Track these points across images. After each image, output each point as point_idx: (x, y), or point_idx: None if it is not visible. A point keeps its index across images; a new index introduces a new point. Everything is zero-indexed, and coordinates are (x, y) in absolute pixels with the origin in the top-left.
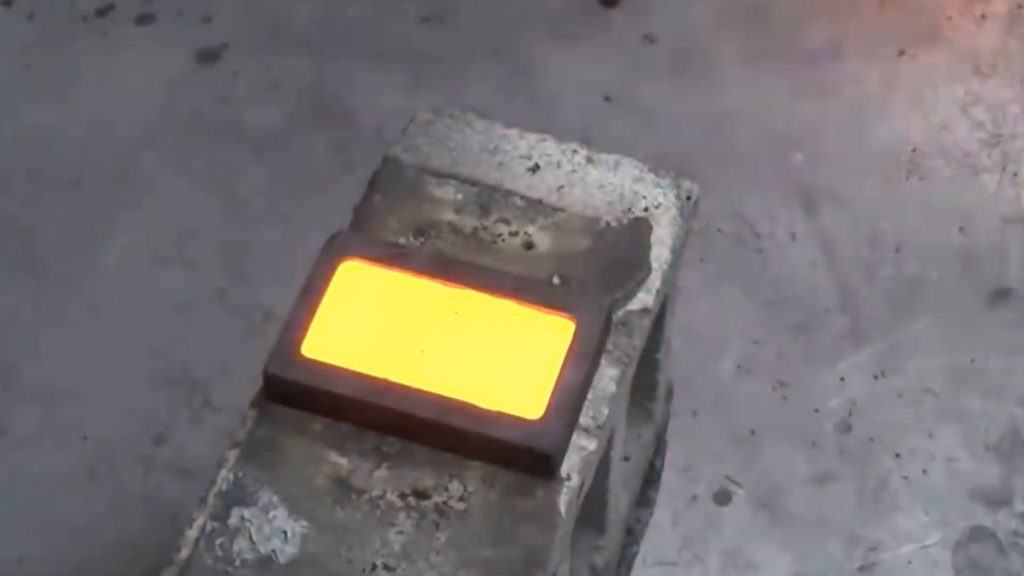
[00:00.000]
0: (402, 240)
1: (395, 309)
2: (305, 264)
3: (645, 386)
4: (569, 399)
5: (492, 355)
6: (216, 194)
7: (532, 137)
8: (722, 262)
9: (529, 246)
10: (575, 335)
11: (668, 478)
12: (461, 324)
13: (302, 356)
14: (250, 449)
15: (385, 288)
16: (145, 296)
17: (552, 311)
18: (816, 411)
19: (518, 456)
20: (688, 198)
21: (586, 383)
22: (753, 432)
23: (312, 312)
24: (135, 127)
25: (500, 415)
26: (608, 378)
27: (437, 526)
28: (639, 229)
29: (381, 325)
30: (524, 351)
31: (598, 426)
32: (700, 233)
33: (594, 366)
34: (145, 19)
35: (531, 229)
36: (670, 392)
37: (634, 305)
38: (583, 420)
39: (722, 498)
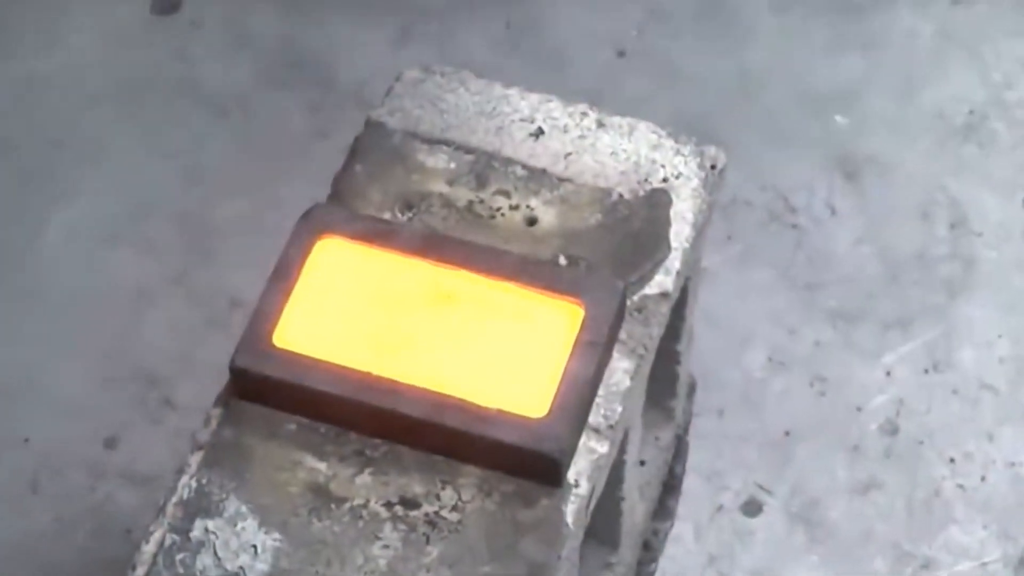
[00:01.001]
0: (387, 215)
1: (380, 293)
2: (276, 242)
3: (664, 381)
4: (577, 395)
5: (490, 345)
6: (173, 163)
7: (535, 98)
8: (751, 240)
9: (532, 222)
10: (584, 322)
11: (690, 485)
12: (455, 310)
13: (273, 347)
14: (215, 453)
15: (368, 269)
16: (92, 280)
17: (558, 295)
18: (858, 410)
19: (519, 460)
20: (712, 167)
21: (596, 377)
22: (787, 434)
23: (285, 297)
24: (80, 87)
25: (499, 414)
26: (621, 371)
27: (428, 539)
28: (657, 202)
29: (364, 311)
30: (526, 341)
31: (610, 426)
32: (726, 207)
33: (605, 358)
34: None
35: (534, 203)
36: (692, 388)
37: (651, 289)
38: (593, 419)
39: (752, 509)
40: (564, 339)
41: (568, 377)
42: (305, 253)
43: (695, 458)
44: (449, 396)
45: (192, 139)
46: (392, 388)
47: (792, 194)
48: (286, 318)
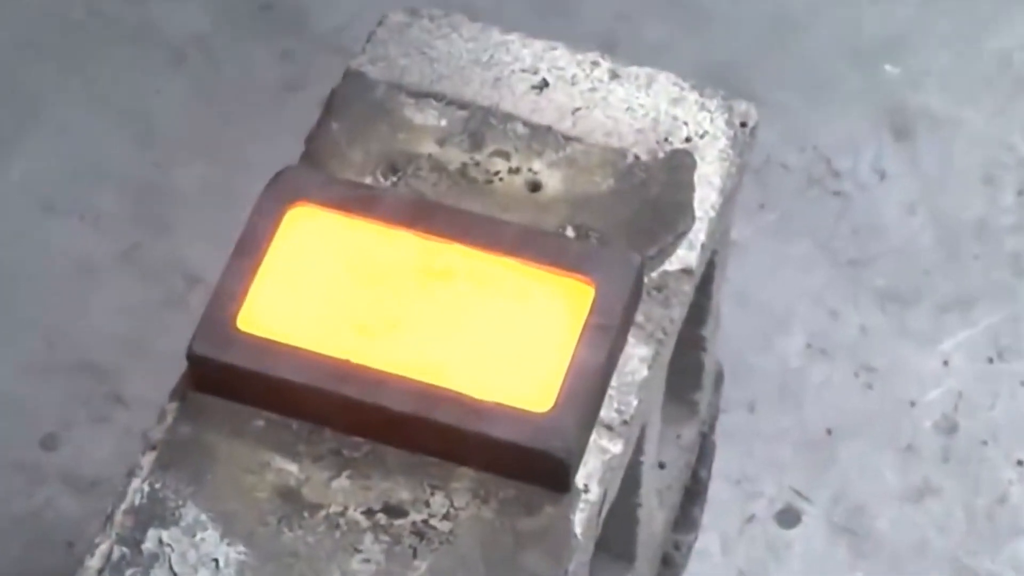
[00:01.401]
0: (369, 179)
1: (360, 269)
2: (241, 211)
3: (686, 371)
4: (586, 387)
5: (486, 330)
6: (123, 120)
7: (538, 45)
8: (788, 208)
9: (535, 187)
10: (594, 303)
11: (717, 491)
12: (446, 289)
13: (238, 331)
14: (170, 453)
15: (347, 242)
16: (28, 255)
17: (564, 272)
18: (911, 404)
19: (520, 461)
20: (743, 124)
21: (609, 366)
22: (829, 432)
23: (251, 274)
24: (10, 31)
25: (497, 408)
26: (638, 360)
27: (415, 553)
28: (678, 165)
29: (342, 290)
30: (528, 324)
31: (624, 422)
32: (759, 170)
33: (619, 344)
34: None
35: (537, 165)
36: (719, 379)
37: (672, 264)
38: (605, 415)
39: (788, 518)
40: (571, 322)
41: (576, 366)
42: (274, 223)
43: (723, 460)
44: (440, 388)
45: (144, 92)
46: (374, 379)
47: (835, 155)
48: (252, 298)
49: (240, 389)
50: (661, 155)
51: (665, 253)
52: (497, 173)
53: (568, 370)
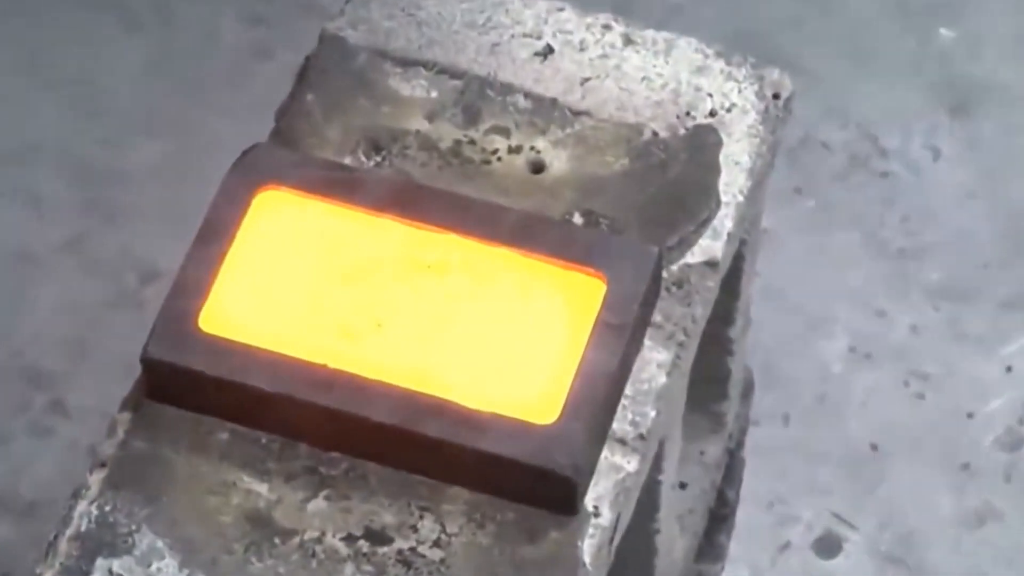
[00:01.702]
0: (349, 159)
1: (339, 262)
2: (203, 195)
3: (711, 378)
4: (597, 396)
5: (482, 330)
6: (67, 93)
7: (542, 5)
8: (828, 193)
9: (538, 168)
10: (606, 300)
11: (747, 516)
12: (437, 284)
13: (199, 332)
14: (122, 471)
15: (324, 231)
16: None
17: (572, 265)
18: (969, 417)
19: (521, 480)
20: (775, 96)
21: (622, 372)
22: (874, 448)
23: (214, 267)
24: None
25: (494, 419)
26: (655, 365)
27: None
28: (702, 143)
29: (318, 286)
30: (530, 324)
31: (640, 436)
32: (794, 149)
33: (634, 347)
34: None
35: (540, 143)
36: (749, 387)
37: (694, 256)
38: (618, 427)
39: (828, 546)
40: (579, 322)
41: (585, 371)
42: (241, 209)
43: (753, 480)
44: (430, 396)
45: (92, 60)
46: (355, 386)
47: (882, 132)
48: (216, 295)
49: (202, 398)
50: (682, 131)
51: (686, 243)
52: (495, 152)
53: (575, 376)
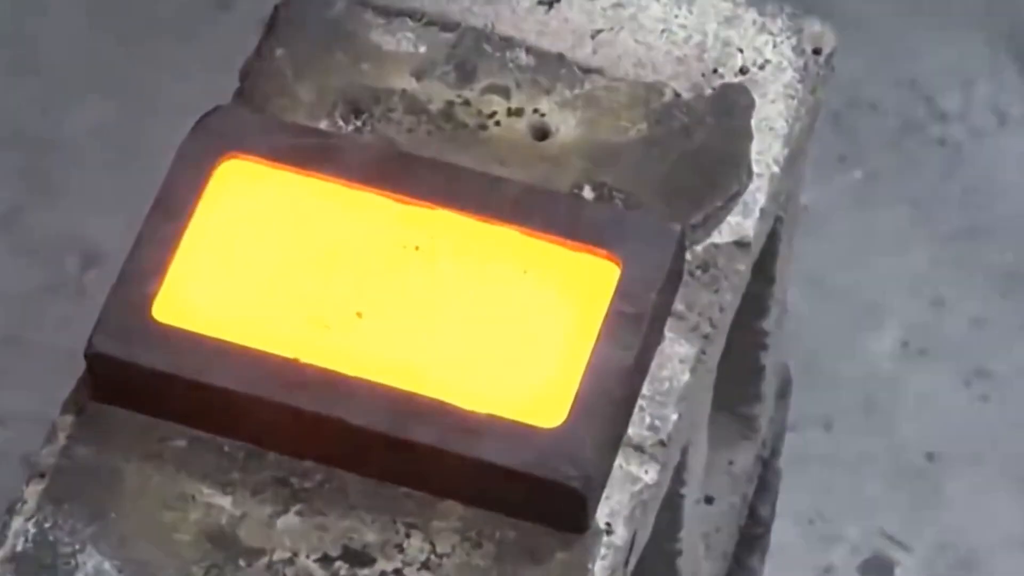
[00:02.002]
0: (324, 123)
1: (313, 243)
2: (155, 167)
3: (741, 375)
4: (610, 396)
5: (479, 321)
6: None
7: None
8: (878, 162)
9: (542, 134)
10: (620, 286)
11: (784, 535)
12: (426, 268)
13: (153, 322)
14: (64, 483)
15: (296, 207)
16: None
17: (581, 246)
18: None
19: (523, 493)
20: (816, 52)
21: (639, 369)
22: (930, 458)
23: (170, 248)
24: None
25: (492, 423)
26: (677, 360)
27: None
28: (731, 105)
29: (289, 270)
30: (533, 314)
31: (660, 442)
32: (839, 112)
33: (652, 340)
34: None
35: (545, 105)
36: (786, 387)
37: (722, 236)
38: (635, 432)
39: (877, 570)
40: (590, 311)
41: (596, 368)
42: (200, 182)
43: (791, 494)
44: (418, 396)
45: (25, 10)
46: (332, 385)
47: (940, 92)
48: (172, 279)
49: (156, 399)
50: (708, 92)
51: (713, 221)
52: (492, 116)
53: (585, 373)
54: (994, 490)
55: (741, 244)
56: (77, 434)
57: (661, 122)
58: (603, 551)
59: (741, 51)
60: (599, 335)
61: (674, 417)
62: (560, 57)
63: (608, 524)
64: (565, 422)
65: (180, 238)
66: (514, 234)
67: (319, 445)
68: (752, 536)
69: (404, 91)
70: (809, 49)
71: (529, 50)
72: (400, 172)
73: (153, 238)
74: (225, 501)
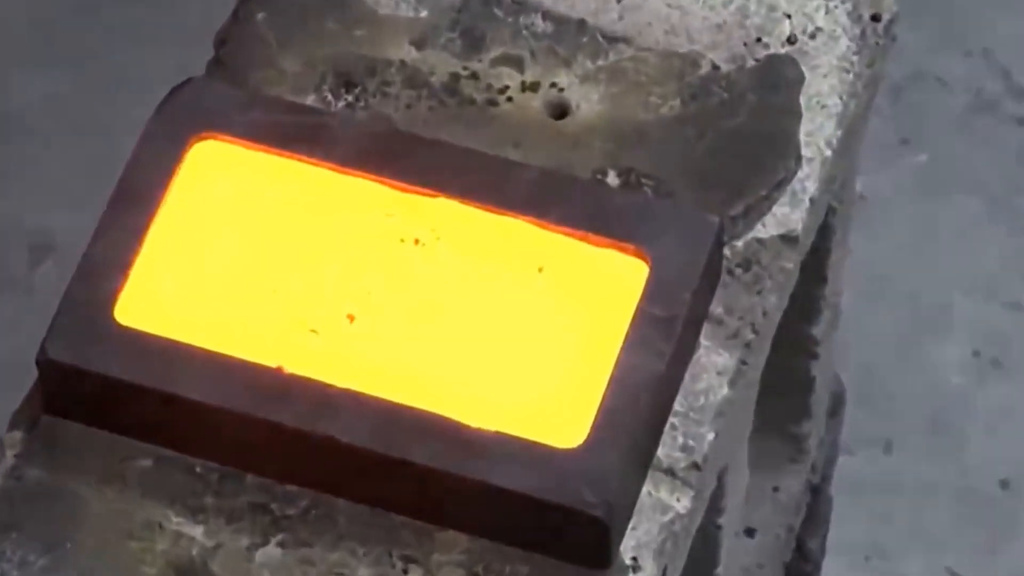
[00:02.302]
0: (312, 99)
1: (298, 235)
2: (116, 148)
3: (788, 390)
4: (636, 412)
5: (487, 325)
6: None
7: None
8: (947, 146)
9: (561, 112)
10: (649, 287)
11: (835, 573)
12: (427, 265)
13: (116, 326)
14: (13, 508)
15: (278, 194)
16: None
17: (604, 240)
18: None
19: (537, 522)
20: (875, 18)
21: (670, 381)
22: (1005, 485)
23: (135, 240)
24: None
25: (501, 441)
26: (715, 372)
27: None
28: (777, 79)
29: (271, 266)
30: (549, 317)
31: (694, 465)
32: (901, 88)
33: (686, 348)
34: None
35: (564, 79)
36: (839, 403)
37: (767, 229)
38: (665, 454)
39: None
40: (614, 314)
41: (621, 380)
42: (170, 165)
43: (844, 525)
44: (416, 411)
45: None
46: (320, 397)
47: (1017, 64)
48: (138, 277)
49: (118, 412)
50: (751, 64)
51: (756, 212)
52: (504, 91)
53: (608, 386)
54: None
55: (788, 238)
56: (27, 452)
57: (696, 98)
58: None
59: (789, 17)
60: (625, 342)
61: (710, 436)
62: (581, 23)
63: (634, 559)
64: (585, 441)
65: (147, 229)
66: (528, 227)
67: (304, 466)
68: (799, 574)
69: (403, 62)
70: (867, 15)
71: (546, 15)
72: (398, 155)
73: (115, 228)
74: (196, 530)
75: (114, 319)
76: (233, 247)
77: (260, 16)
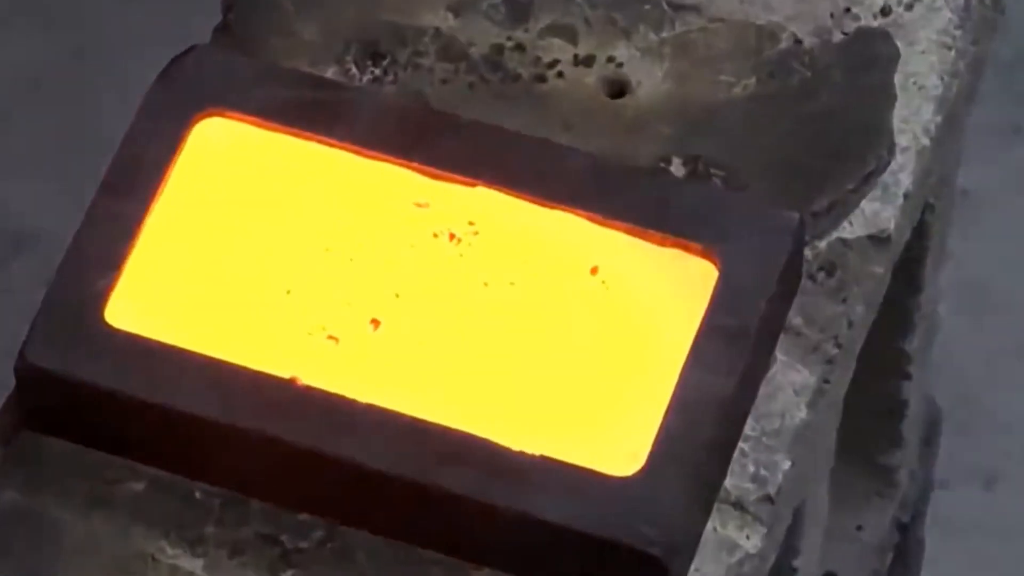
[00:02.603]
0: (333, 71)
1: (315, 227)
2: (107, 126)
3: (876, 414)
4: (701, 436)
5: (529, 334)
6: None
7: None
8: None
9: (619, 90)
10: (718, 294)
11: None
12: (462, 264)
13: (106, 329)
14: None
15: (294, 180)
16: None
17: (666, 239)
18: None
19: (586, 560)
20: None
21: (740, 401)
22: None
23: (129, 231)
24: None
25: (546, 467)
26: (792, 392)
27: None
28: (868, 57)
29: (284, 263)
30: (602, 327)
31: (767, 498)
32: (1013, 66)
33: (759, 364)
34: None
35: (623, 52)
36: (934, 430)
37: (854, 228)
38: (734, 485)
39: None
40: (677, 325)
41: (684, 400)
42: (170, 146)
43: (938, 569)
44: (449, 430)
45: None
46: (337, 414)
47: None
48: (132, 273)
49: (107, 427)
50: (837, 38)
51: (842, 208)
52: (554, 65)
53: (669, 406)
54: None
55: (878, 239)
56: (3, 472)
57: (775, 77)
58: None
59: None
60: (689, 356)
61: (786, 466)
62: None
63: None
64: (642, 469)
65: (143, 218)
66: (579, 222)
67: (319, 492)
68: None
69: (438, 31)
70: None
71: None
72: (431, 137)
73: (106, 217)
74: (195, 564)
75: (104, 320)
76: (241, 240)
77: None
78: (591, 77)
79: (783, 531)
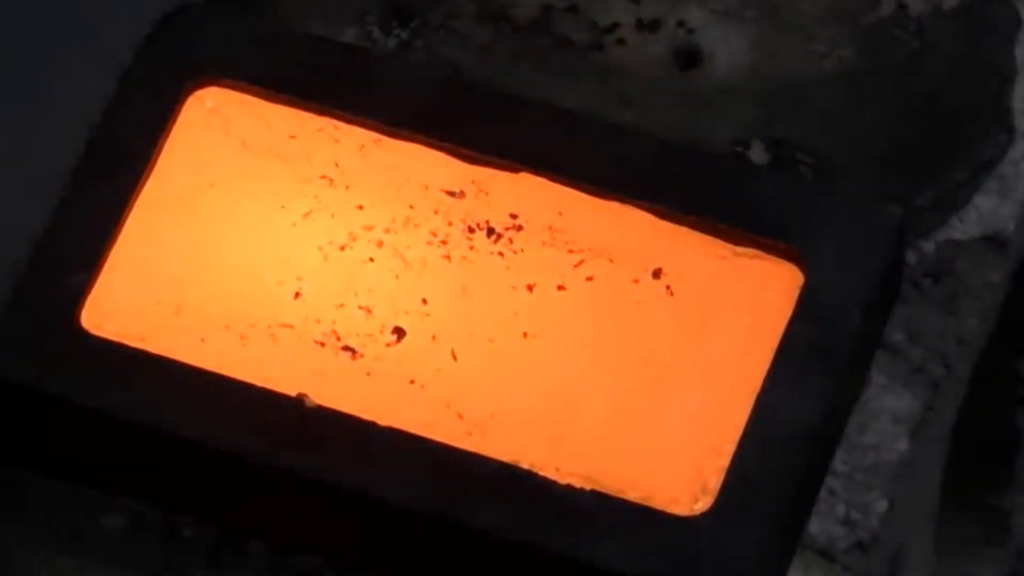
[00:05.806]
0: (352, 34)
1: (328, 217)
2: (79, 91)
3: (988, 448)
4: (780, 470)
5: (581, 348)
6: None
7: None
8: None
9: (690, 60)
10: (803, 302)
11: None
12: (501, 263)
13: (81, 335)
14: None
15: (304, 160)
16: None
17: (744, 237)
18: None
19: None
20: None
21: (828, 430)
22: None
23: (110, 222)
24: None
25: (601, 504)
26: (890, 419)
27: None
28: (984, 25)
29: (290, 259)
30: (666, 340)
31: (859, 544)
32: None
33: (852, 386)
34: None
35: (695, 17)
36: None
37: (966, 227)
38: (820, 528)
39: None
40: (755, 338)
41: (761, 427)
42: (160, 120)
43: None
44: (485, 460)
45: None
46: (353, 439)
47: None
48: (111, 272)
49: (81, 453)
50: (950, 4)
51: (952, 204)
52: (613, 30)
53: (744, 435)
54: None
55: (994, 240)
56: None
57: (874, 48)
58: None
59: None
60: (767, 376)
61: (882, 507)
62: None
63: None
64: (712, 508)
65: (125, 208)
66: (641, 216)
67: (329, 531)
68: None
69: None
70: None
71: None
72: (466, 114)
73: (83, 207)
74: None
75: (79, 326)
76: (240, 234)
77: None
78: (657, 45)
79: None
